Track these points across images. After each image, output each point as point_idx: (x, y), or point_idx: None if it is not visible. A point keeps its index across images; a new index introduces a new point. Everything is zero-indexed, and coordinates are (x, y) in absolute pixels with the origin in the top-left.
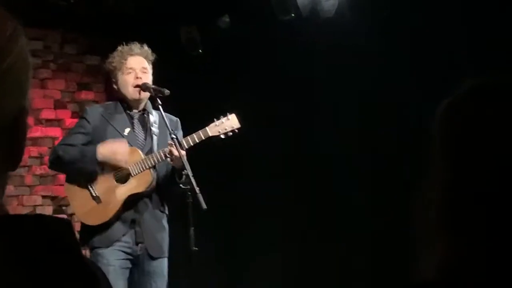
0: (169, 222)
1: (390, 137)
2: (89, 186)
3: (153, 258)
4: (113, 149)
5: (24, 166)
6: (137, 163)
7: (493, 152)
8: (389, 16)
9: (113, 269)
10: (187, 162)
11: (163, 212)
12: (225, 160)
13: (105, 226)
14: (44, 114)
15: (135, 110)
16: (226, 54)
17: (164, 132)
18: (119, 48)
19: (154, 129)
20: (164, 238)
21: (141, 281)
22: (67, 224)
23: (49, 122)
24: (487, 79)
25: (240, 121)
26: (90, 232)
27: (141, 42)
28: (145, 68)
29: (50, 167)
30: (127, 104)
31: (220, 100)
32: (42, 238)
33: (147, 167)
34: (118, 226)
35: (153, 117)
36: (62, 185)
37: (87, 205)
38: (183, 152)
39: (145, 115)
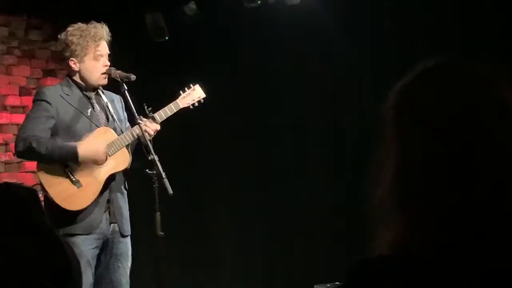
0: (135, 206)
1: (352, 124)
2: (66, 171)
3: (123, 236)
4: (93, 150)
5: None
6: (112, 142)
7: (442, 132)
8: (354, 4)
9: (84, 259)
10: (151, 146)
11: (125, 189)
12: (189, 146)
13: (86, 210)
14: (9, 100)
15: (90, 91)
16: (191, 41)
17: (117, 111)
18: (85, 27)
19: (111, 108)
20: (128, 215)
21: (108, 262)
22: (33, 191)
23: (14, 108)
24: (437, 61)
25: (204, 91)
26: (70, 218)
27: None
28: (109, 54)
29: (20, 156)
30: (83, 85)
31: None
32: (11, 205)
33: (123, 145)
34: (98, 209)
35: (105, 96)
36: (28, 172)
37: (68, 191)
38: (158, 126)
39: (99, 95)
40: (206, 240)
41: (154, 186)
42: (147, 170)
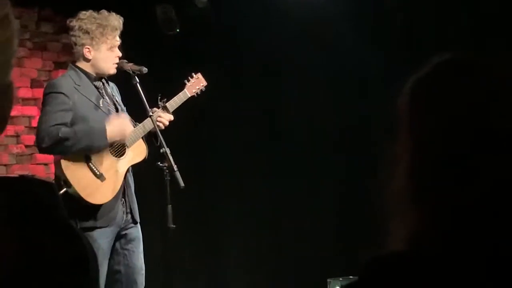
0: (146, 199)
1: (359, 113)
2: (90, 165)
3: (135, 223)
4: (121, 127)
5: (0, 145)
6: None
7: (459, 126)
8: None
9: (101, 252)
10: (162, 139)
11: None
12: (198, 139)
13: (107, 203)
14: (21, 92)
15: (98, 80)
16: (202, 33)
17: (118, 97)
18: (103, 16)
19: (117, 98)
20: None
21: (123, 249)
22: (50, 185)
23: (26, 101)
24: (452, 55)
25: (205, 79)
26: (90, 212)
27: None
28: (118, 44)
29: (46, 152)
30: (92, 74)
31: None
32: (28, 199)
33: (139, 137)
34: (116, 202)
35: (109, 86)
36: (39, 164)
37: (93, 185)
38: (172, 117)
39: (105, 85)
40: (216, 234)
41: (165, 179)
42: (159, 163)
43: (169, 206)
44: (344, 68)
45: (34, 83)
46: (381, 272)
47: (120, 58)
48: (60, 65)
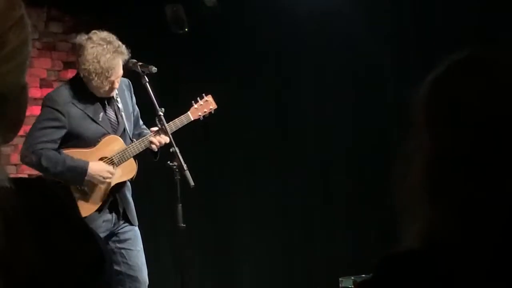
0: (154, 199)
1: (372, 110)
2: None
3: (131, 225)
4: (101, 177)
5: (10, 145)
6: (120, 152)
7: (474, 123)
8: None
9: None
10: (172, 138)
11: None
12: (208, 139)
13: (91, 216)
14: (30, 92)
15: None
16: (212, 33)
17: (125, 102)
18: (105, 56)
19: (120, 105)
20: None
21: (119, 249)
22: (66, 187)
23: (35, 101)
24: (468, 53)
25: (216, 101)
26: None
27: (126, 19)
28: (120, 77)
29: (27, 166)
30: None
31: (206, 79)
32: (47, 199)
33: (131, 156)
34: (102, 215)
35: (116, 92)
36: None
37: None
38: (167, 139)
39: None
40: (226, 233)
41: (175, 178)
42: (169, 162)
43: (179, 206)
44: (358, 62)
45: (44, 83)
46: (396, 268)
47: (129, 58)
48: (69, 65)
